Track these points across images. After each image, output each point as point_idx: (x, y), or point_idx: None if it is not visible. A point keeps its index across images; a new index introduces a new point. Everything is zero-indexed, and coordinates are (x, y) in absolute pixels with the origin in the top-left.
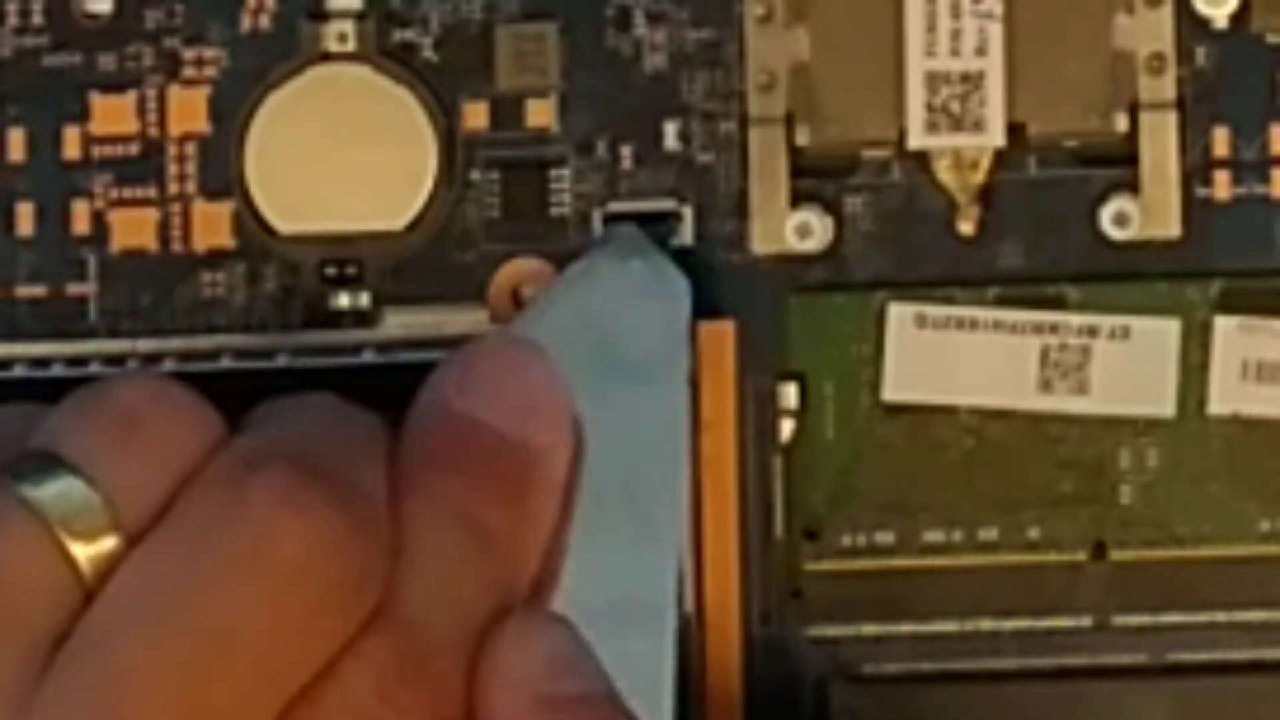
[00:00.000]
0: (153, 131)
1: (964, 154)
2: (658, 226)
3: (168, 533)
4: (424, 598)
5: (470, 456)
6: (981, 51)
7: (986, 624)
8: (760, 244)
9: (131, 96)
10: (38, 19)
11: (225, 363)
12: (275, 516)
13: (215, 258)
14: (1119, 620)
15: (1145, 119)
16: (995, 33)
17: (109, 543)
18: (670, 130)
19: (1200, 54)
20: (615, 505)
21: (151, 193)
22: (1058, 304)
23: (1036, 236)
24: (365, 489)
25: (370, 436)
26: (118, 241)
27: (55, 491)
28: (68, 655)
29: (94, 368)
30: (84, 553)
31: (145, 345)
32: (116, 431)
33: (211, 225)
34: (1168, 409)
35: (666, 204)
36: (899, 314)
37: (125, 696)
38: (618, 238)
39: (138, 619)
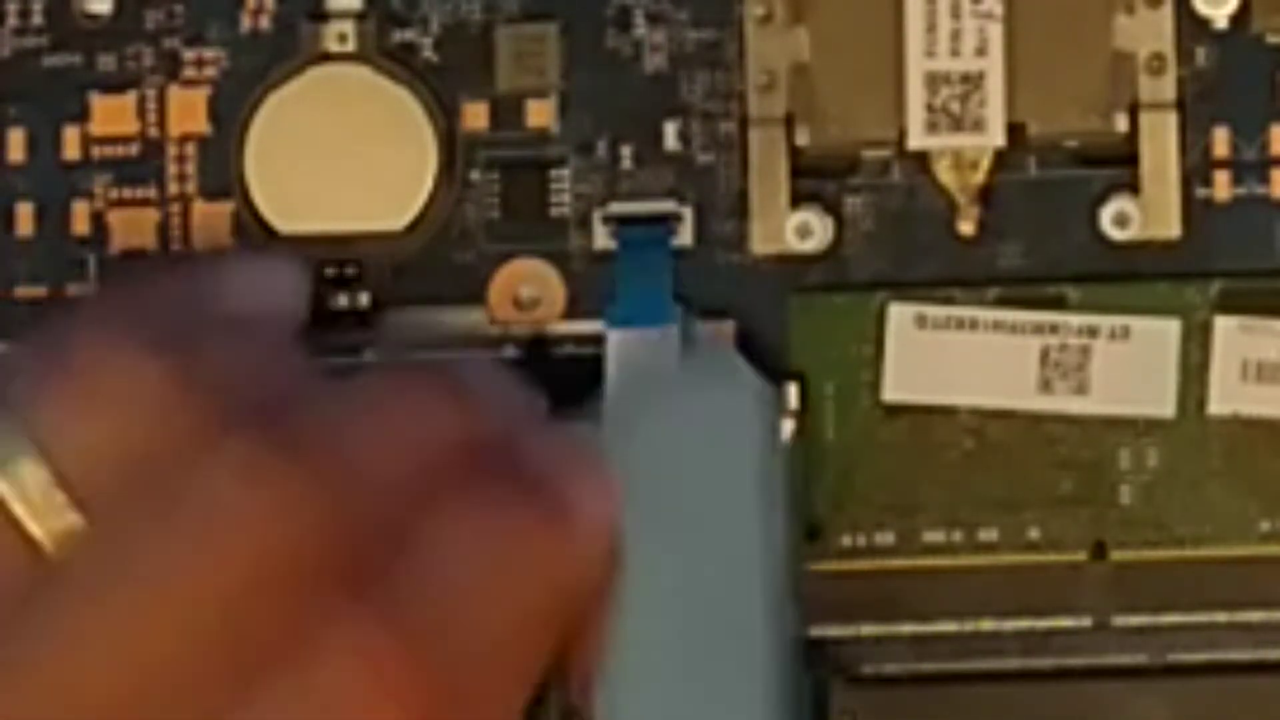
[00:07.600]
0: (153, 132)
1: (964, 154)
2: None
3: (129, 512)
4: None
5: None
6: (981, 52)
7: (986, 624)
8: (760, 244)
9: (131, 97)
10: (38, 19)
11: None
12: (240, 497)
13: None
14: (1119, 620)
15: (1145, 119)
16: (995, 33)
17: (68, 518)
18: (670, 130)
19: (1200, 54)
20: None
21: (151, 193)
22: (1058, 304)
23: (1036, 236)
24: (348, 454)
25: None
26: (118, 241)
27: (10, 472)
28: (21, 627)
29: None
30: (42, 530)
31: None
32: (72, 399)
33: (211, 225)
34: (1168, 409)
35: (666, 204)
36: (899, 314)
37: (75, 672)
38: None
39: (95, 604)
